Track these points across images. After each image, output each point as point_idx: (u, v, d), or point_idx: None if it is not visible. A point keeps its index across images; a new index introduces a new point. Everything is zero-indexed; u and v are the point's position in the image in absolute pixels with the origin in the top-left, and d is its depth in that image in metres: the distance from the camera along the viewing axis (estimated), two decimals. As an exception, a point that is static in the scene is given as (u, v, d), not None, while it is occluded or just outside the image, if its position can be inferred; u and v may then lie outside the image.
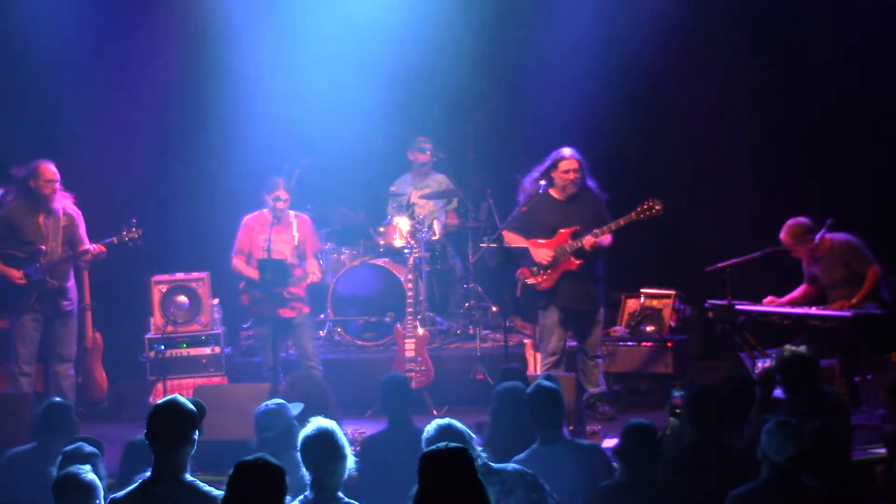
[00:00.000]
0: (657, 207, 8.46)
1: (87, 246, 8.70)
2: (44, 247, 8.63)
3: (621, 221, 8.49)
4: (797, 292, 8.90)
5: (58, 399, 7.09)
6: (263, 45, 11.30)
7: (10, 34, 10.60)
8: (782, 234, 8.75)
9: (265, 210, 9.12)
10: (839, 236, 8.68)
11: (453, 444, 4.34)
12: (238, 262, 9.14)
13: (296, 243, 9.14)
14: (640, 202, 8.52)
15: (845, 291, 8.59)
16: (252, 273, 9.00)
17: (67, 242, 8.71)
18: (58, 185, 8.69)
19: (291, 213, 9.20)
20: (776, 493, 5.18)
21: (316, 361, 9.14)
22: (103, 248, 8.72)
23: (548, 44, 11.18)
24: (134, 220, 8.77)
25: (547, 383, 6.06)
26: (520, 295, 8.80)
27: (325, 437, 4.96)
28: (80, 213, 8.85)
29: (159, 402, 5.02)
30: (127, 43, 11.07)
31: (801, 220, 8.74)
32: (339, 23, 11.37)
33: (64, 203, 8.75)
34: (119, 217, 8.93)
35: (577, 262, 8.55)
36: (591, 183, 8.73)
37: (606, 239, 8.58)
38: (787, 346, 6.71)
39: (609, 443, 7.24)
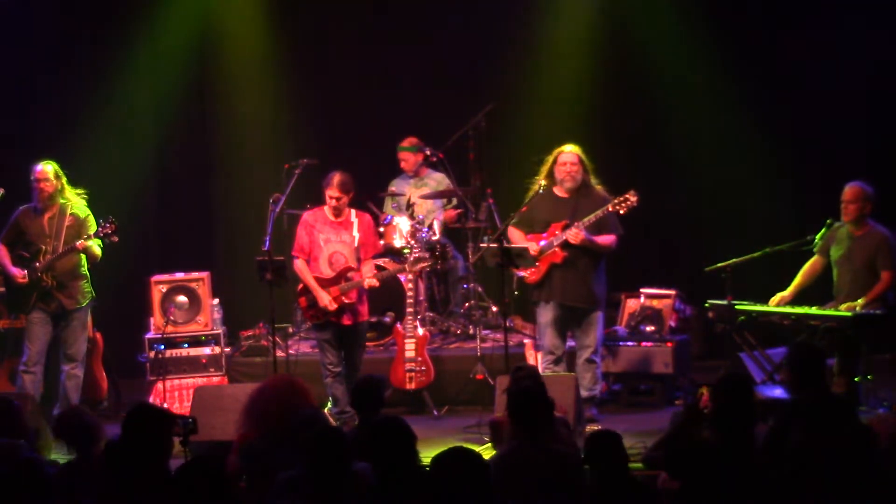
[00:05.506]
0: (632, 199, 8.41)
1: (77, 243, 8.69)
2: (44, 246, 8.75)
3: (593, 217, 8.40)
4: (806, 272, 8.80)
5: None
6: (263, 46, 11.32)
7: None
8: (848, 188, 8.57)
9: (325, 207, 8.75)
10: (881, 227, 8.62)
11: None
12: (300, 265, 8.70)
13: (356, 244, 8.77)
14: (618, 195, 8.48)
15: (854, 280, 8.51)
16: (310, 279, 8.64)
17: (71, 242, 8.74)
18: (48, 184, 8.73)
19: (353, 211, 8.82)
20: None
21: (360, 373, 8.61)
22: (85, 243, 8.69)
23: (549, 42, 11.19)
24: (110, 217, 8.73)
25: None
26: (515, 289, 8.77)
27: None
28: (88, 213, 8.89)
29: (130, 407, 5.06)
30: (126, 41, 11.07)
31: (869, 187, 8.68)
32: (337, 21, 11.39)
33: (72, 204, 8.83)
34: (119, 217, 8.92)
35: (563, 254, 8.44)
36: (595, 182, 8.69)
37: (602, 239, 8.49)
38: (801, 340, 6.66)
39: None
